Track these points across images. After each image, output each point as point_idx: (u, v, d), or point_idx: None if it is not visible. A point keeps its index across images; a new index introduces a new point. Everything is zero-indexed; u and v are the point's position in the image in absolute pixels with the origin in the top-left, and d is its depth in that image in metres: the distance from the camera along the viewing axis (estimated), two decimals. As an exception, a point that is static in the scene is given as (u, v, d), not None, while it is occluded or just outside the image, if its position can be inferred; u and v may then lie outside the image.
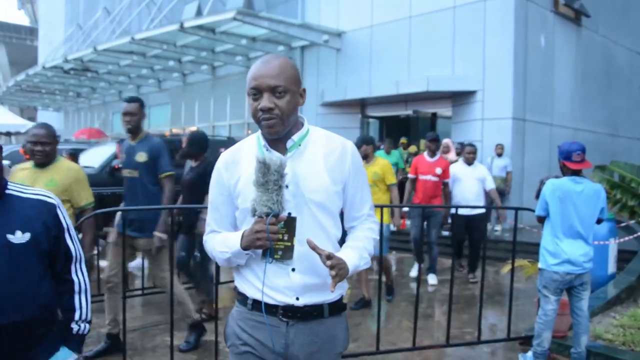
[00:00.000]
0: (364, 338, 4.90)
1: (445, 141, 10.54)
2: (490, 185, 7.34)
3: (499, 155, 10.43)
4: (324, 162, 1.81)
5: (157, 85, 20.83)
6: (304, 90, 1.84)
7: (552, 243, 4.16)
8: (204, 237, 1.97)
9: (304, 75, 14.84)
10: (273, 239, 1.69)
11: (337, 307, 1.88)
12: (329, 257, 1.68)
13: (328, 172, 1.80)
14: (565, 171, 4.17)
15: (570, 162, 4.10)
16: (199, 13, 16.94)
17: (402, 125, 13.98)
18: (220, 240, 1.86)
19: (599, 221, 4.23)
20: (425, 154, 7.05)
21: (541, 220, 4.31)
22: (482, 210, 7.24)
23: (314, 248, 1.70)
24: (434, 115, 13.69)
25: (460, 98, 11.81)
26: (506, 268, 5.22)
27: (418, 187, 7.00)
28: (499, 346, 4.83)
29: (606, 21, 14.21)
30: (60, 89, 24.30)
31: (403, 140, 12.30)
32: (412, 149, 11.76)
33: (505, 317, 4.95)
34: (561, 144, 4.26)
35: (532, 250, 5.66)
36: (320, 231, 1.79)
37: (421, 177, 6.92)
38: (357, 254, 1.83)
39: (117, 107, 24.13)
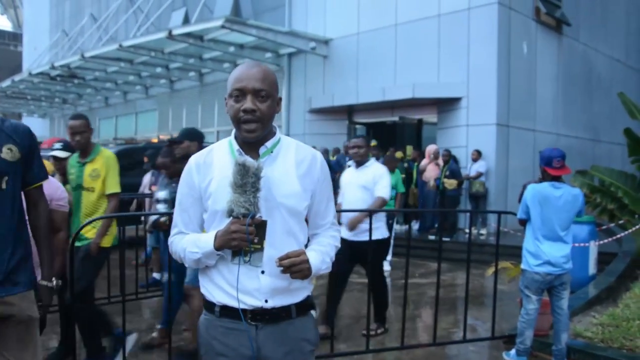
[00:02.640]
0: (354, 338, 5.05)
1: (433, 147, 10.77)
2: (380, 192, 5.12)
3: (475, 160, 10.71)
4: (295, 169, 1.87)
5: (145, 92, 20.85)
6: (280, 99, 1.91)
7: (533, 245, 4.36)
8: (170, 239, 1.98)
9: (292, 82, 15.02)
10: (250, 239, 1.73)
11: (304, 307, 1.91)
12: (283, 258, 1.74)
13: (299, 179, 1.86)
14: (546, 176, 4.37)
15: (550, 168, 4.30)
16: (186, 20, 17.06)
17: (389, 132, 14.18)
18: (191, 240, 1.87)
19: None
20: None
21: (523, 223, 4.50)
22: (367, 237, 4.76)
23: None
24: (420, 121, 13.92)
25: (445, 104, 12.04)
26: (490, 271, 5.39)
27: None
28: (484, 345, 5.01)
29: (586, 29, 14.57)
30: (46, 95, 24.18)
31: (373, 143, 11.86)
32: (398, 154, 11.92)
33: (490, 317, 5.12)
34: (542, 150, 4.45)
35: (516, 253, 5.80)
36: (289, 235, 1.84)
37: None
38: (320, 257, 1.88)
39: (104, 114, 24.11)
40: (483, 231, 10.50)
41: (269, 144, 1.86)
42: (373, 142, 11.53)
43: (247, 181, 1.71)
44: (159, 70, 17.65)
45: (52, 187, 3.26)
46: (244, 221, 1.72)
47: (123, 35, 19.24)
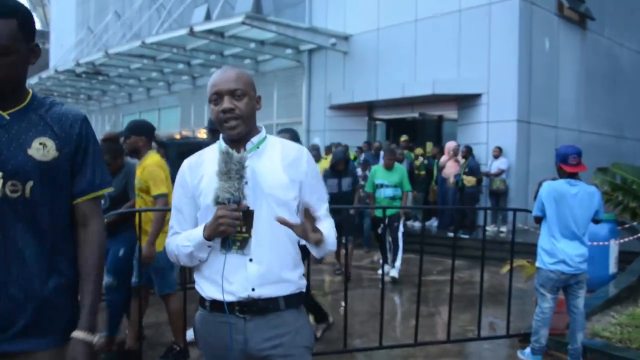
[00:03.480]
0: (368, 334, 5.07)
1: (453, 144, 10.71)
2: None
3: (496, 157, 10.63)
4: (281, 162, 1.94)
5: (167, 88, 21.08)
6: (260, 97, 1.99)
7: (548, 243, 4.32)
8: (167, 240, 2.03)
9: (312, 79, 15.04)
10: (235, 224, 1.78)
11: (293, 300, 1.93)
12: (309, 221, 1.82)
13: (285, 170, 1.92)
14: (562, 174, 4.33)
15: (566, 165, 4.26)
16: (208, 17, 17.19)
17: (409, 128, 14.14)
18: (183, 236, 1.93)
19: (596, 222, 4.39)
20: None
21: (538, 220, 4.47)
22: None
23: (284, 222, 1.81)
24: (440, 117, 13.84)
25: (465, 101, 11.95)
26: (505, 268, 5.36)
27: None
28: (499, 343, 4.98)
29: (612, 23, 14.30)
30: (72, 92, 24.63)
31: (403, 138, 11.69)
32: (418, 151, 11.88)
33: (505, 315, 5.10)
34: (558, 147, 4.42)
35: (536, 251, 5.79)
36: (278, 225, 1.84)
37: None
38: (328, 228, 1.95)
39: (127, 110, 24.44)
40: (503, 228, 10.42)
41: (255, 139, 1.95)
42: (404, 137, 11.51)
43: (230, 167, 1.78)
44: (181, 66, 17.85)
45: None
46: (229, 207, 1.78)
47: (146, 31, 19.46)
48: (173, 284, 4.26)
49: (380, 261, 7.37)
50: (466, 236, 9.88)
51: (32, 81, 22.67)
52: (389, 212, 7.52)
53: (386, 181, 7.57)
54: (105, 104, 26.20)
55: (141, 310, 4.27)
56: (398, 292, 7.17)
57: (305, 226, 1.82)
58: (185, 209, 1.97)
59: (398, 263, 7.68)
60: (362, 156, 11.21)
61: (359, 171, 9.52)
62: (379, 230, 7.72)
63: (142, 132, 4.21)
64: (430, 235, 10.46)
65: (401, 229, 7.80)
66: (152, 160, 4.12)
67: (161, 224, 3.99)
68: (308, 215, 1.81)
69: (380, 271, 7.21)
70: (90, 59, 17.89)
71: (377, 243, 8.14)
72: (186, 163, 2.00)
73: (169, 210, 2.18)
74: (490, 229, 10.66)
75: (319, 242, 1.86)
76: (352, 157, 11.26)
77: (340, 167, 7.38)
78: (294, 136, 4.44)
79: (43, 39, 39.64)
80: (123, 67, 18.46)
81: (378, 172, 7.71)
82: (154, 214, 4.03)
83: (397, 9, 12.93)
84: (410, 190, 8.11)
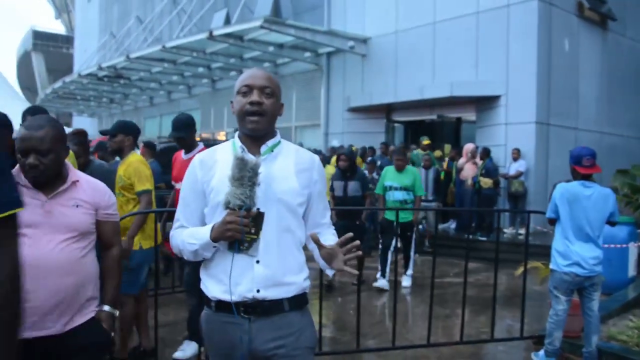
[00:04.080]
0: (382, 335, 5.10)
1: (471, 146, 10.67)
2: None
3: (515, 159, 10.55)
4: (294, 168, 1.98)
5: (187, 91, 21.33)
6: (282, 105, 2.04)
7: (562, 245, 4.30)
8: (171, 232, 2.07)
9: (330, 81, 15.10)
10: (244, 230, 1.81)
11: (297, 301, 1.96)
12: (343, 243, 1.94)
13: (297, 177, 1.97)
14: (576, 175, 4.31)
15: (580, 166, 4.24)
16: (227, 21, 17.36)
17: (427, 130, 14.09)
18: (189, 233, 1.96)
19: (612, 224, 4.36)
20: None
21: (552, 222, 4.45)
22: None
23: (316, 241, 1.91)
24: (458, 119, 13.78)
25: (484, 102, 11.89)
26: (519, 270, 5.35)
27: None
28: (513, 345, 4.97)
29: (634, 24, 14.09)
30: (94, 95, 25.05)
31: (426, 141, 11.31)
32: (437, 153, 11.86)
33: (524, 317, 5.08)
34: (572, 149, 4.40)
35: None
36: (285, 230, 1.92)
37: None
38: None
39: (149, 113, 24.78)
40: (522, 231, 10.32)
41: (270, 142, 1.98)
42: (426, 140, 11.41)
43: (244, 174, 1.79)
44: (201, 70, 18.04)
45: (99, 192, 2.41)
46: (239, 213, 1.80)
47: (167, 36, 19.73)
48: (137, 285, 4.16)
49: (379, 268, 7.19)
50: (484, 238, 9.84)
51: (56, 85, 23.15)
52: (401, 218, 6.80)
53: (395, 183, 7.07)
54: (127, 107, 26.58)
55: (145, 311, 4.39)
56: (413, 294, 7.17)
57: (335, 251, 1.92)
58: (193, 204, 2.00)
59: (410, 272, 7.41)
60: (371, 158, 10.88)
61: (366, 172, 9.03)
62: (387, 239, 7.13)
63: (130, 132, 4.28)
64: (447, 237, 10.43)
65: (414, 238, 7.40)
66: (136, 158, 4.18)
67: (142, 221, 4.00)
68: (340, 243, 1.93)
69: (375, 283, 7.10)
70: (112, 62, 18.20)
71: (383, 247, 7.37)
72: (197, 158, 2.02)
73: (176, 209, 2.16)
74: (509, 231, 10.60)
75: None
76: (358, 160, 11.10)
77: (342, 164, 6.99)
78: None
79: (68, 44, 40.37)
80: (144, 70, 18.73)
81: (388, 174, 7.23)
82: (140, 206, 4.04)
83: (415, 12, 12.93)
84: (423, 195, 7.64)
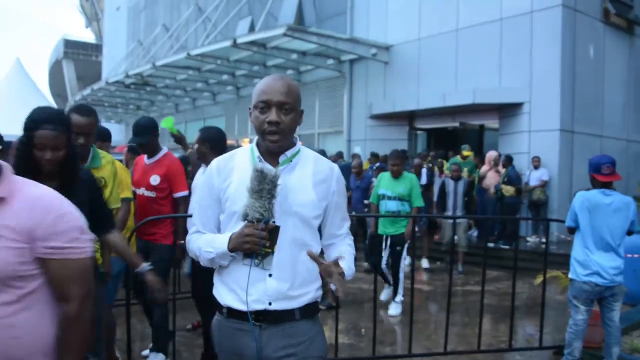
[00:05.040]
0: (399, 343, 5.10)
1: (494, 154, 10.58)
2: None
3: (535, 167, 10.43)
4: (312, 179, 1.94)
5: (212, 98, 21.56)
6: (302, 111, 1.97)
7: (582, 254, 4.25)
8: (187, 237, 2.05)
9: (353, 88, 15.14)
10: (262, 243, 1.78)
11: (309, 310, 1.94)
12: (336, 264, 1.84)
13: (315, 189, 1.93)
14: (595, 184, 4.27)
15: (599, 174, 4.20)
16: (251, 28, 17.56)
17: (450, 137, 14.03)
18: (207, 240, 1.94)
19: (630, 233, 4.30)
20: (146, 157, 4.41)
21: (572, 231, 4.41)
22: None
23: (314, 258, 1.84)
24: (481, 127, 13.69)
25: (507, 110, 11.79)
26: (538, 279, 5.29)
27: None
28: (532, 355, 4.91)
29: (663, 29, 13.84)
30: (121, 102, 25.48)
31: (467, 151, 11.32)
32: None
33: (546, 327, 5.02)
34: (591, 157, 4.35)
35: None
36: (300, 243, 1.89)
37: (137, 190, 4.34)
38: (347, 265, 1.93)
39: (174, 120, 25.06)
40: (544, 239, 10.19)
41: (288, 153, 1.93)
42: (466, 151, 11.24)
43: (263, 187, 1.77)
44: (225, 77, 18.25)
45: (38, 213, 1.58)
46: (258, 226, 1.78)
47: (192, 44, 20.00)
48: (110, 295, 3.87)
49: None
50: (506, 247, 9.74)
51: (85, 92, 23.63)
52: (389, 231, 6.20)
53: (389, 191, 6.21)
54: (153, 114, 26.94)
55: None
56: (432, 302, 7.14)
57: (331, 268, 1.82)
58: (209, 210, 1.99)
59: (399, 298, 6.28)
60: (378, 164, 10.45)
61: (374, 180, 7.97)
62: (378, 254, 6.32)
63: (107, 139, 4.30)
64: (469, 245, 10.34)
65: (405, 256, 6.26)
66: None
67: (122, 225, 3.73)
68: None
69: (381, 297, 6.47)
70: (138, 70, 18.52)
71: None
72: (215, 164, 1.99)
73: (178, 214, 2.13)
74: (532, 239, 10.47)
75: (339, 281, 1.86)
76: (365, 165, 11.05)
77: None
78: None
79: (97, 52, 41.17)
80: (170, 78, 19.01)
81: (383, 180, 6.37)
82: (118, 215, 3.60)
83: (438, 19, 12.90)
84: (422, 206, 6.42)
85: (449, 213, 8.62)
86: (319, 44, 13.64)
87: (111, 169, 3.38)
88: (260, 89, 1.88)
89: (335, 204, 2.00)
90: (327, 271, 1.82)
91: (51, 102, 34.41)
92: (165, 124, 5.35)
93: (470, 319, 6.02)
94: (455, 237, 7.13)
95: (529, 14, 11.16)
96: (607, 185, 4.21)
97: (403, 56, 13.79)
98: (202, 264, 1.99)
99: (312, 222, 1.93)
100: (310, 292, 1.94)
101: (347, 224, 2.11)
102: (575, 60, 11.08)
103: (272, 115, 1.83)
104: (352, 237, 2.15)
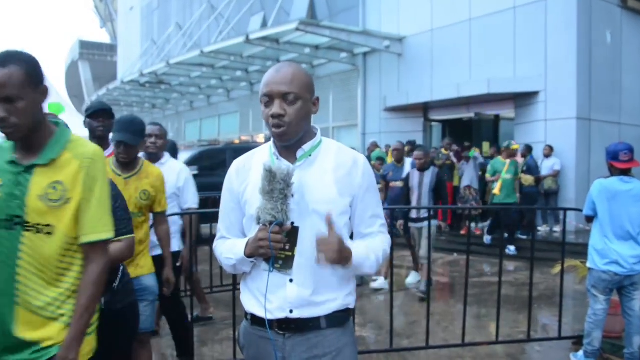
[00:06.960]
0: (417, 334, 5.09)
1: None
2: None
3: (547, 156, 10.31)
4: (333, 174, 1.79)
5: (226, 95, 21.67)
6: (317, 99, 1.82)
7: (601, 243, 4.20)
8: (214, 243, 1.96)
9: (367, 81, 15.09)
10: (275, 247, 1.68)
11: (337, 319, 1.81)
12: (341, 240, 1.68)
13: (336, 184, 1.78)
14: (614, 171, 4.21)
15: (617, 162, 4.14)
16: (264, 24, 17.58)
17: (465, 128, 13.93)
18: (228, 247, 1.87)
19: None
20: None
21: (590, 219, 4.36)
22: None
23: (328, 225, 1.69)
24: (497, 117, 13.56)
25: (522, 99, 11.67)
26: (556, 269, 5.25)
27: None
28: (551, 345, 4.87)
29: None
30: (137, 101, 25.73)
31: (515, 145, 10.20)
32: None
33: (565, 317, 4.98)
34: (608, 145, 4.30)
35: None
36: None
37: None
38: (365, 252, 1.80)
39: (189, 117, 25.26)
40: (556, 228, 10.10)
41: (306, 147, 1.80)
42: (514, 144, 10.97)
43: (274, 187, 1.66)
44: (239, 73, 18.32)
45: None
46: (271, 229, 1.68)
47: (206, 41, 20.08)
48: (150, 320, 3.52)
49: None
50: (524, 237, 9.67)
51: (101, 92, 23.88)
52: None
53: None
54: (168, 112, 27.17)
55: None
56: (449, 293, 7.12)
57: (331, 239, 1.67)
58: (232, 215, 1.90)
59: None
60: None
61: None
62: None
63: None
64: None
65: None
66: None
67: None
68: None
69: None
70: (153, 69, 18.67)
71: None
72: (234, 166, 1.90)
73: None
74: (543, 229, 10.40)
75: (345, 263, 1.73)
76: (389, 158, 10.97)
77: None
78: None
79: (112, 52, 41.55)
80: (184, 75, 19.14)
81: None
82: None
83: (450, 9, 12.80)
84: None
85: (413, 212, 6.82)
86: (332, 38, 13.62)
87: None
88: (264, 81, 1.77)
89: (362, 199, 1.82)
90: (322, 238, 1.68)
91: (68, 103, 34.81)
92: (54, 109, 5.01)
93: (488, 310, 5.99)
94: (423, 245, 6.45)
95: (543, 1, 11.02)
96: (625, 172, 4.16)
97: (416, 47, 13.71)
98: (226, 270, 1.93)
99: (334, 221, 1.72)
100: (337, 298, 1.81)
101: (380, 221, 1.90)
102: (591, 46, 10.91)
103: (275, 108, 1.71)
104: (389, 237, 1.96)
